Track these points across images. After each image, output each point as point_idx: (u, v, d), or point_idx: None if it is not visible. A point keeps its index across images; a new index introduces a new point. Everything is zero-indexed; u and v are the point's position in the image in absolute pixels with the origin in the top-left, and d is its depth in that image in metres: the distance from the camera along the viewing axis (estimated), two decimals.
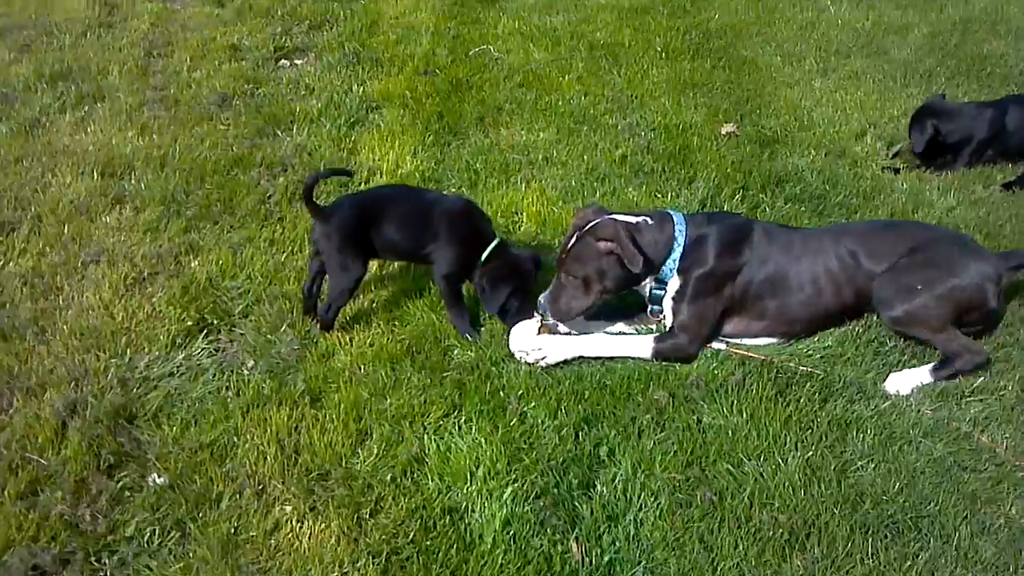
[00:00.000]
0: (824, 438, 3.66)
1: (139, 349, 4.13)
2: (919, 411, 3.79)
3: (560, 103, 6.14)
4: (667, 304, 4.20)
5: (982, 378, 3.95)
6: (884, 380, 3.95)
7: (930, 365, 3.99)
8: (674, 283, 4.15)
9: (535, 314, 4.20)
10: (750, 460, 3.57)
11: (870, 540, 3.25)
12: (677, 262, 4.12)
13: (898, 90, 6.33)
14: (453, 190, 5.28)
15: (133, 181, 5.29)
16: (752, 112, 6.06)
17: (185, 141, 5.70)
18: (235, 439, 3.70)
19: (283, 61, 6.95)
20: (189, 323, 4.27)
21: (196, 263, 4.67)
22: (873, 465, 3.55)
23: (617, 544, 3.28)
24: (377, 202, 4.38)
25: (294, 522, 3.36)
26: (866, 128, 5.90)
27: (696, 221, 4.24)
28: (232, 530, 3.33)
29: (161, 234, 4.88)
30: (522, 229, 4.98)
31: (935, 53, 6.82)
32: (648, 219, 4.20)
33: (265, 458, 3.61)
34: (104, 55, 6.80)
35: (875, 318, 4.23)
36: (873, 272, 4.13)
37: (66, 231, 4.86)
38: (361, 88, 6.39)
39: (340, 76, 6.55)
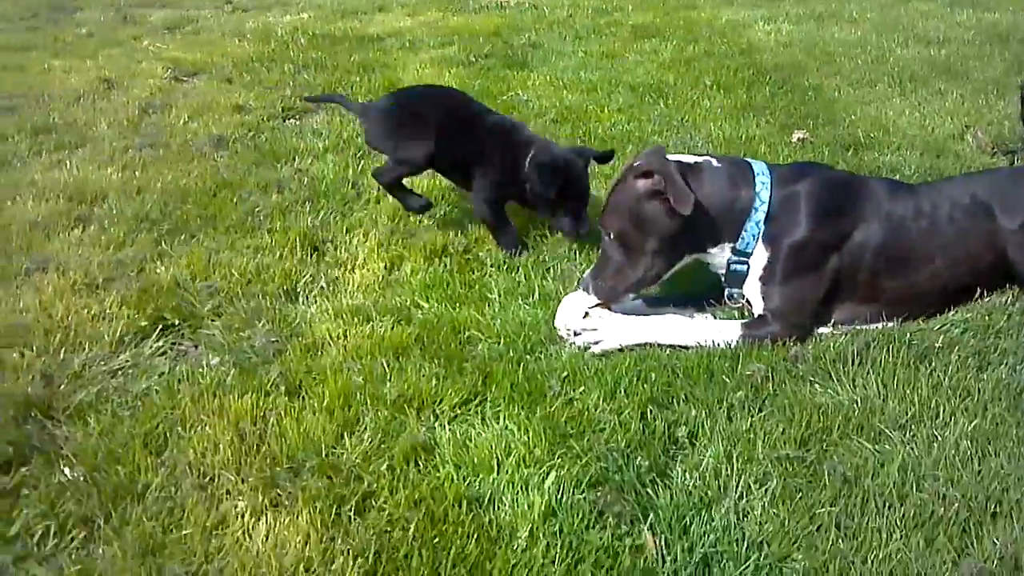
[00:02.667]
0: (990, 406, 2.64)
1: (77, 349, 3.23)
2: None
3: (600, 131, 5.33)
4: (752, 285, 3.22)
5: None
6: None
7: None
8: (759, 256, 3.18)
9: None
10: (893, 432, 2.56)
11: None
12: (761, 226, 3.18)
13: (994, 100, 5.47)
14: None
15: (105, 208, 4.49)
16: (825, 124, 5.18)
17: (171, 175, 4.92)
18: (180, 429, 2.75)
19: (291, 120, 6.25)
20: (144, 323, 3.38)
21: (162, 268, 3.80)
22: None
23: (712, 536, 2.25)
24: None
25: (246, 518, 2.37)
26: (963, 130, 5.03)
27: (785, 174, 3.27)
28: (160, 529, 2.34)
29: (126, 248, 4.04)
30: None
31: None
32: (714, 161, 3.30)
33: (218, 448, 2.64)
34: (95, 115, 6.14)
35: None
36: (1013, 229, 3.18)
37: (13, 244, 4.04)
38: None
39: (352, 122, 5.82)
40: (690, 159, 3.25)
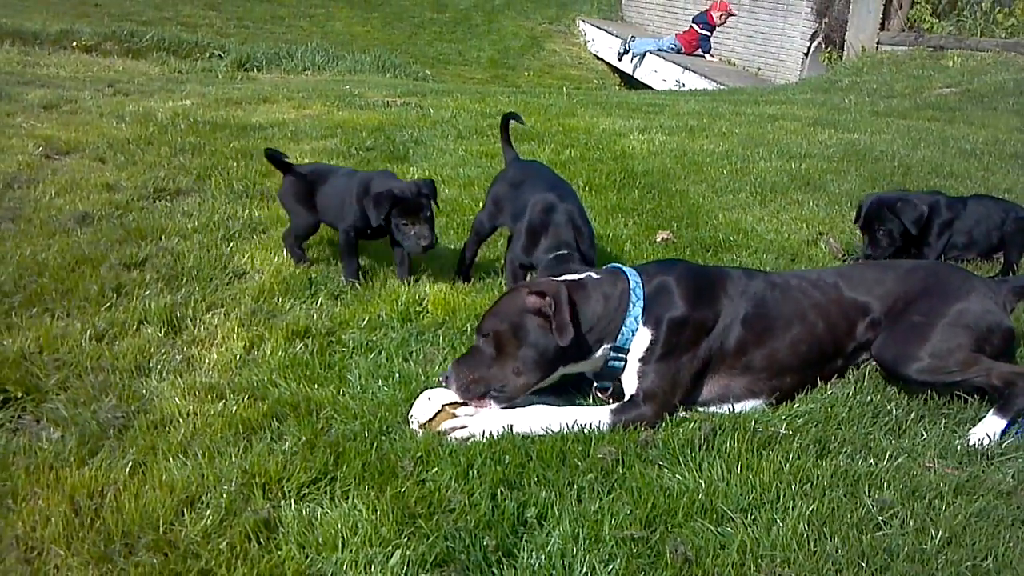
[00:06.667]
0: (828, 492, 2.72)
1: None
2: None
3: (470, 223, 5.40)
4: (631, 372, 3.27)
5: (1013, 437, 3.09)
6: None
7: (991, 411, 3.16)
8: (641, 339, 3.24)
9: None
10: (735, 514, 2.60)
11: None
12: (639, 320, 3.25)
13: (847, 210, 5.76)
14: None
15: None
16: (689, 226, 5.38)
17: (29, 249, 4.76)
18: (10, 502, 2.62)
19: (162, 201, 6.11)
20: None
21: (9, 340, 3.65)
22: (899, 521, 2.60)
23: None
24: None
25: None
26: (817, 236, 5.28)
27: (650, 270, 3.42)
28: None
29: None
30: (426, 320, 4.09)
31: (880, 186, 6.36)
32: (594, 274, 3.40)
33: (48, 521, 2.51)
34: None
35: (865, 380, 3.41)
36: (860, 303, 3.43)
37: None
38: (247, 212, 5.62)
39: (224, 206, 5.77)
40: (574, 276, 3.36)
